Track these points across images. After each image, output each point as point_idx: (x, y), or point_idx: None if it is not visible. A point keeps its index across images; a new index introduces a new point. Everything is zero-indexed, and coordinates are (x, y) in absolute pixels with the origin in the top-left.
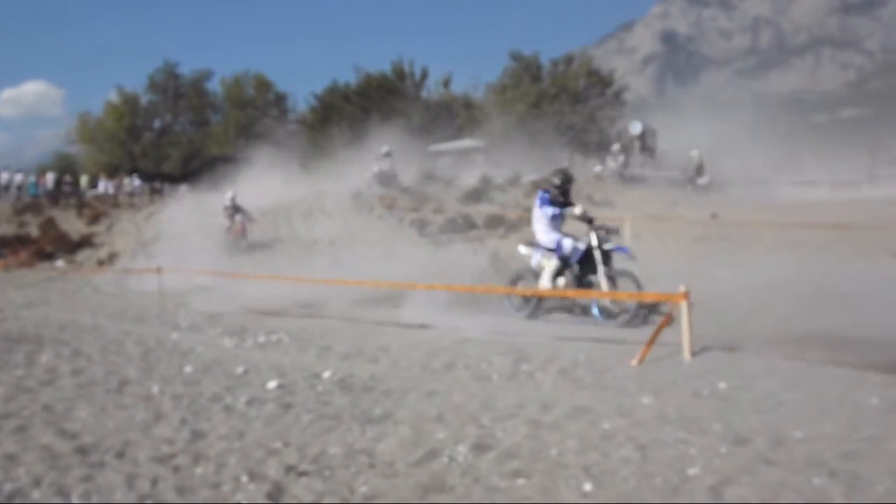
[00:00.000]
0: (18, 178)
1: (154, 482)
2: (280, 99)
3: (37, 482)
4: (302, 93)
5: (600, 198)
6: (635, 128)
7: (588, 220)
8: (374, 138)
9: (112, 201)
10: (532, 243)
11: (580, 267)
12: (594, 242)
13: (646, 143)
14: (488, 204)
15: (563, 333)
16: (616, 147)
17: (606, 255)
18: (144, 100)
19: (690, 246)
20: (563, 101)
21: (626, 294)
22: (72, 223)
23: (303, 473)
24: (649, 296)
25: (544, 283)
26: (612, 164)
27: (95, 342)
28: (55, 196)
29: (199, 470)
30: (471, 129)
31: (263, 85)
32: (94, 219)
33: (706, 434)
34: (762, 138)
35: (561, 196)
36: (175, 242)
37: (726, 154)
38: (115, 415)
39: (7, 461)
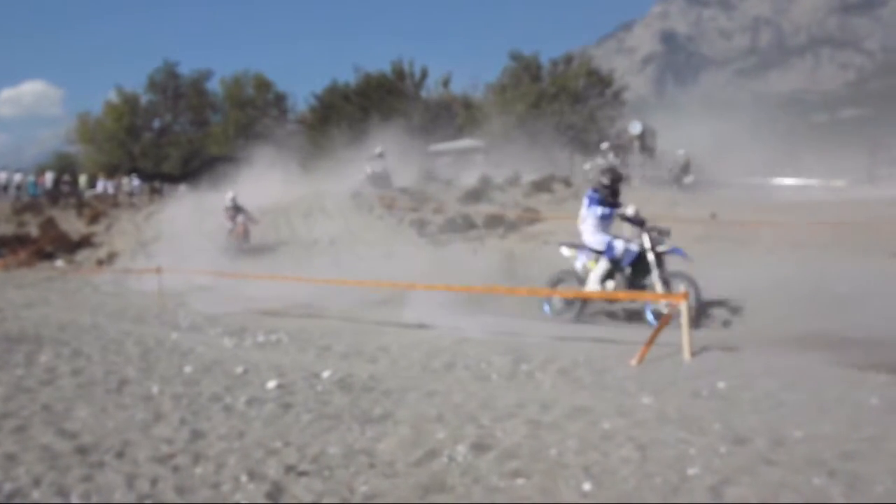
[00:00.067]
0: (18, 177)
1: (154, 482)
2: (280, 99)
3: (36, 482)
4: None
5: None
6: (635, 128)
7: (640, 221)
8: (374, 138)
9: (112, 201)
10: (574, 244)
11: (632, 270)
12: (647, 244)
13: (645, 142)
14: (488, 204)
15: (562, 333)
16: (605, 145)
17: (659, 258)
18: (144, 100)
19: (690, 246)
20: (562, 100)
21: (626, 294)
22: (71, 223)
23: (302, 473)
24: (649, 296)
25: (592, 286)
26: (602, 161)
27: (95, 342)
28: (54, 196)
29: (198, 470)
30: (470, 128)
31: (263, 85)
32: (94, 219)
33: (706, 434)
34: (762, 138)
35: (611, 196)
36: (175, 242)
37: (726, 154)
38: (114, 415)
39: (7, 461)
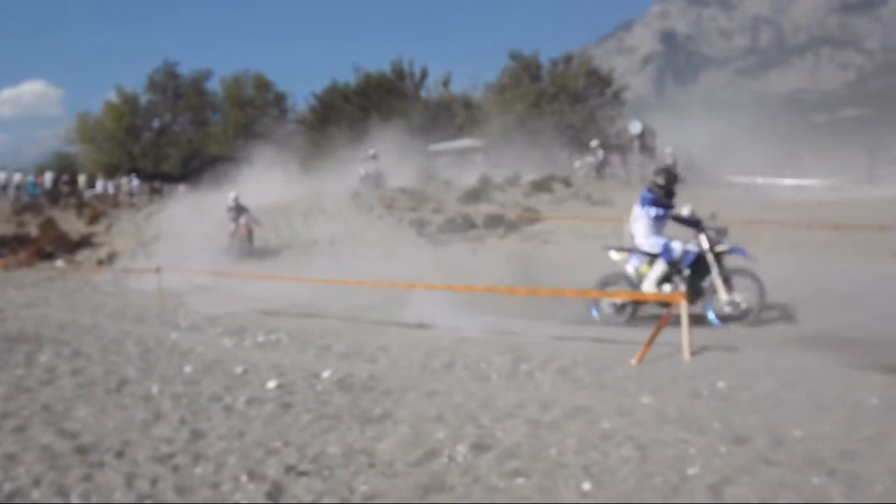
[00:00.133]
0: (17, 177)
1: (153, 482)
2: (279, 99)
3: (36, 482)
4: (301, 92)
5: (599, 197)
6: (635, 127)
7: (696, 221)
8: (374, 138)
9: (111, 201)
10: (622, 248)
11: (690, 271)
12: (705, 245)
13: (645, 142)
14: (487, 204)
15: (562, 333)
16: (595, 143)
17: (718, 258)
18: (144, 99)
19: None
20: (562, 100)
21: (625, 293)
22: (71, 223)
23: (302, 473)
24: (649, 296)
25: (649, 289)
26: (591, 159)
27: (95, 342)
28: (54, 196)
29: (198, 469)
30: (470, 128)
31: (263, 84)
32: (94, 219)
33: (706, 433)
34: (762, 138)
35: (666, 196)
36: (174, 242)
37: (726, 154)
38: (114, 414)
39: (7, 461)
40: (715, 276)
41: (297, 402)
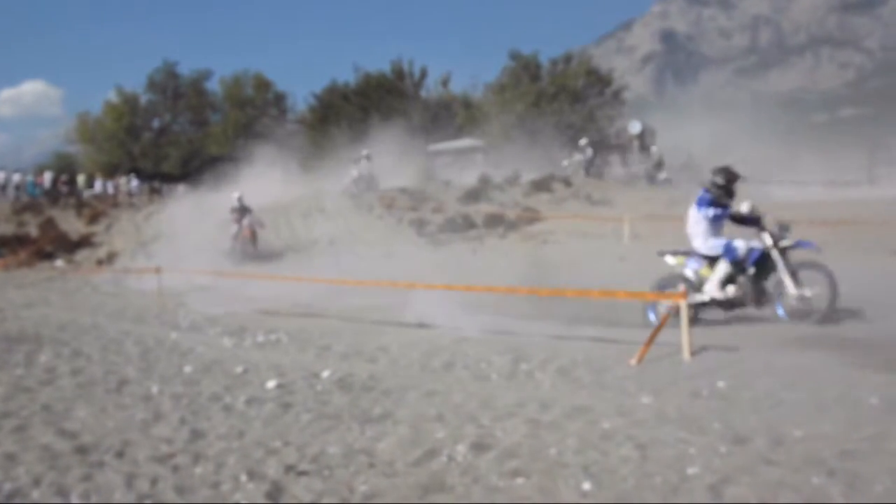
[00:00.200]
0: (17, 177)
1: (153, 482)
2: (279, 98)
3: (36, 482)
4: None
5: (599, 196)
6: (634, 127)
7: (756, 219)
8: (374, 138)
9: (111, 201)
10: (678, 252)
11: (755, 269)
12: (768, 241)
13: (645, 142)
14: (487, 203)
15: (561, 333)
16: (584, 141)
17: (784, 253)
18: (143, 99)
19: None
20: (562, 100)
21: (624, 293)
22: (71, 223)
23: (302, 473)
24: (649, 296)
25: (713, 292)
26: (580, 157)
27: (95, 342)
28: (54, 196)
29: (198, 469)
30: (470, 128)
31: (263, 84)
32: (94, 218)
33: (705, 433)
34: (762, 138)
35: (725, 196)
36: (174, 242)
37: (726, 153)
38: (114, 414)
39: (7, 461)
40: (782, 272)
41: (297, 402)
